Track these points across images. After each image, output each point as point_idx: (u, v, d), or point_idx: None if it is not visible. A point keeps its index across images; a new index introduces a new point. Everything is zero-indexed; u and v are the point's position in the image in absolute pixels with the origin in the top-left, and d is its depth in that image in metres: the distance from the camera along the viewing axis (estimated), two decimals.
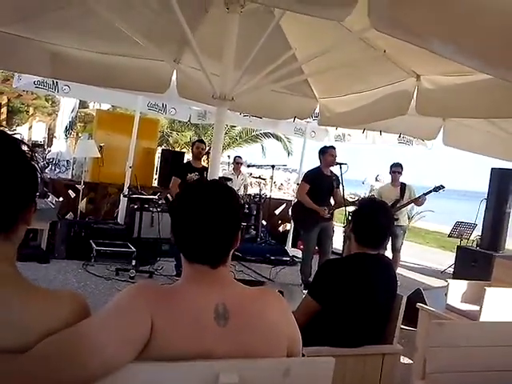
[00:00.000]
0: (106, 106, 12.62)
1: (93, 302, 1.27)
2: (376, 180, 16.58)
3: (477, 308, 3.38)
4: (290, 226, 8.99)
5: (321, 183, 5.83)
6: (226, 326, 1.26)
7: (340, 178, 5.85)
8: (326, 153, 5.86)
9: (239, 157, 9.52)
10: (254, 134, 18.80)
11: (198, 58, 3.20)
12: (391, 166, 7.06)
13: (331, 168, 5.99)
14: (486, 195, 7.50)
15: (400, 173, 6.99)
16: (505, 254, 7.14)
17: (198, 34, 3.63)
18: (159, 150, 11.90)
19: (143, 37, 3.37)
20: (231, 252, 1.38)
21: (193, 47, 3.15)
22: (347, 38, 3.44)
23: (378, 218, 2.45)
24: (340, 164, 5.79)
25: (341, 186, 5.90)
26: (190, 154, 7.07)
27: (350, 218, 2.71)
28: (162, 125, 16.82)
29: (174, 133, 18.84)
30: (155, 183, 9.76)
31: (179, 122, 17.36)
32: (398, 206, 6.77)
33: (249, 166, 10.79)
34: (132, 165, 7.96)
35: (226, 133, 17.42)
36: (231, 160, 10.41)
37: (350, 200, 6.48)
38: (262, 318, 1.32)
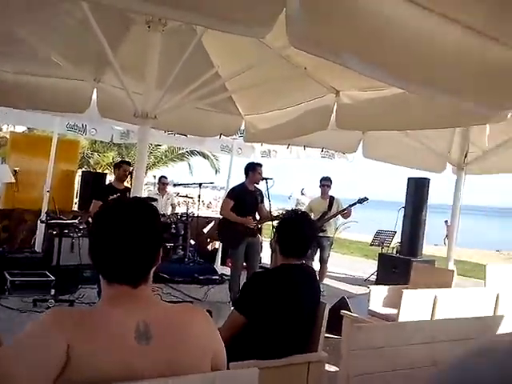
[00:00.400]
0: (21, 129, 11.94)
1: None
2: (301, 194, 17.03)
3: (396, 311, 3.52)
4: (218, 244, 8.94)
5: (245, 199, 5.87)
6: (148, 345, 1.24)
7: (266, 192, 5.92)
8: (255, 170, 5.91)
9: (164, 177, 9.40)
10: (180, 152, 18.61)
11: (119, 77, 3.13)
12: (321, 180, 7.27)
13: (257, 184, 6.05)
14: (404, 204, 7.92)
15: (329, 186, 7.21)
16: (421, 259, 7.56)
17: (120, 52, 3.57)
18: (79, 172, 11.43)
19: (62, 57, 3.26)
20: (152, 270, 1.35)
21: (114, 66, 3.08)
22: (269, 56, 3.52)
23: (300, 229, 2.52)
24: (266, 179, 5.86)
25: (266, 201, 5.96)
26: (113, 176, 6.84)
27: (274, 230, 2.75)
28: (83, 146, 16.19)
29: (96, 154, 18.19)
30: (75, 207, 9.34)
31: (101, 142, 16.81)
32: (326, 217, 6.97)
33: (175, 185, 10.64)
34: (50, 188, 7.56)
35: (151, 152, 17.10)
36: (157, 180, 10.22)
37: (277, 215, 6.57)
38: (186, 334, 1.31)
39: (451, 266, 4.86)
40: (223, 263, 8.44)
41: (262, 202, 6.02)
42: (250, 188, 5.96)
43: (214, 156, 18.72)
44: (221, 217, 6.17)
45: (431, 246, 15.38)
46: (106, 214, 1.35)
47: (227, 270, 7.81)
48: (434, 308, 3.35)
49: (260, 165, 6.03)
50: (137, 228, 1.29)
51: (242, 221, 5.74)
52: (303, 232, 2.53)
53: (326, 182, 7.20)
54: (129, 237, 1.28)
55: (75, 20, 3.36)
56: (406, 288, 3.55)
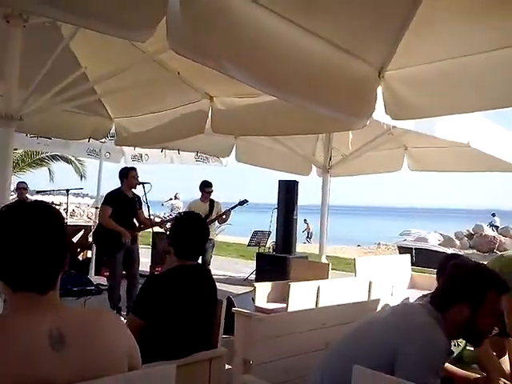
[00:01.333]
0: None
1: None
2: (175, 198, 16.90)
3: (281, 305, 3.76)
4: (91, 253, 8.48)
5: (123, 205, 5.67)
6: (63, 350, 1.20)
7: (144, 197, 5.79)
8: (128, 174, 5.74)
9: (23, 182, 8.58)
10: (39, 157, 17.22)
11: None
12: (202, 184, 7.26)
13: (133, 190, 5.88)
14: (277, 205, 8.28)
15: (210, 191, 7.24)
16: (296, 256, 7.98)
17: None
18: None
19: None
20: (60, 275, 1.29)
21: None
22: (140, 59, 3.46)
23: (194, 230, 2.57)
24: (143, 183, 5.73)
25: (145, 207, 5.83)
26: None
27: (167, 233, 2.74)
28: None
29: None
30: None
31: None
32: (208, 220, 7.01)
33: (38, 193, 9.83)
34: None
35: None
36: (15, 186, 9.32)
37: (157, 221, 6.48)
38: (101, 337, 1.29)
39: (324, 260, 5.24)
40: (97, 273, 8.04)
41: (141, 207, 5.87)
42: (128, 194, 5.77)
43: (78, 161, 17.70)
44: (94, 224, 5.88)
45: (300, 244, 16.33)
46: (6, 218, 1.24)
47: (103, 280, 7.46)
48: (317, 297, 3.64)
49: (134, 169, 5.87)
50: (43, 231, 1.23)
51: (121, 231, 5.52)
52: (197, 233, 2.57)
53: (207, 188, 7.22)
54: (35, 241, 1.21)
55: None
56: (288, 283, 3.76)
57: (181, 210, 8.73)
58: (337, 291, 3.80)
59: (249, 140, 6.08)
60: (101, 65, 3.72)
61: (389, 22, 2.40)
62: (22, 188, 8.23)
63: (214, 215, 7.17)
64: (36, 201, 1.35)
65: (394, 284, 4.98)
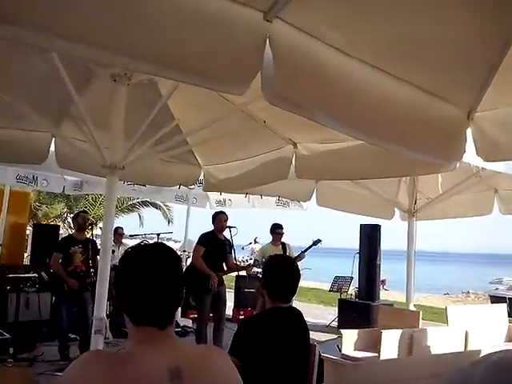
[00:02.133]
0: None
1: None
2: (255, 242, 17.08)
3: (371, 354, 3.62)
4: None
5: (215, 247, 5.87)
6: None
7: (231, 241, 5.97)
8: (216, 218, 5.98)
9: (120, 227, 9.22)
10: (130, 202, 18.32)
11: (83, 128, 3.18)
12: (273, 227, 7.37)
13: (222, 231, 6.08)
14: (359, 250, 8.15)
15: (281, 233, 7.33)
16: (380, 303, 7.72)
17: (81, 104, 3.61)
18: (30, 224, 11.04)
19: (23, 108, 3.27)
20: (176, 311, 1.41)
21: (79, 117, 3.13)
22: (230, 110, 3.67)
23: (286, 272, 2.63)
24: (230, 227, 5.92)
25: (232, 251, 6.00)
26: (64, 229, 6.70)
27: (260, 276, 2.81)
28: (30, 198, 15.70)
29: (44, 206, 17.63)
30: (27, 261, 8.96)
31: (47, 194, 16.34)
32: None
33: (131, 236, 10.43)
34: (1, 243, 7.27)
35: (101, 203, 16.73)
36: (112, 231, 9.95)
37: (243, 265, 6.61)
38: (214, 373, 1.36)
39: (412, 308, 5.03)
40: (183, 315, 8.26)
41: (231, 252, 6.04)
42: (220, 236, 5.99)
43: (166, 206, 18.57)
44: (188, 264, 6.11)
45: (382, 291, 15.71)
46: (132, 258, 1.39)
47: (189, 322, 7.64)
48: (410, 346, 3.50)
49: (224, 212, 6.10)
50: (165, 271, 1.35)
51: (209, 274, 5.69)
52: (289, 275, 2.63)
53: (278, 230, 7.33)
54: (158, 280, 1.33)
55: (40, 72, 3.42)
56: (378, 330, 3.65)
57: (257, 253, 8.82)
58: (431, 341, 3.62)
59: (329, 184, 6.10)
60: (193, 116, 3.99)
61: (477, 64, 2.40)
62: (119, 233, 8.84)
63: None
64: (157, 243, 1.49)
65: (491, 335, 4.66)
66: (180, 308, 8.29)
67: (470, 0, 1.96)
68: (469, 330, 3.89)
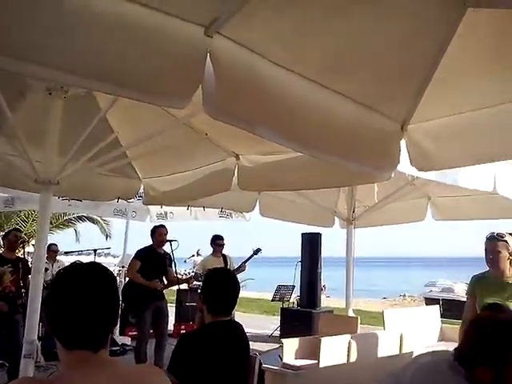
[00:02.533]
0: None
1: None
2: (198, 254, 16.91)
3: (311, 362, 3.69)
4: None
5: (154, 261, 5.76)
6: None
7: (171, 255, 5.88)
8: (156, 232, 5.88)
9: (54, 244, 8.84)
10: (66, 218, 17.61)
11: (15, 143, 3.04)
12: (213, 238, 7.35)
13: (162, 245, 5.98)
14: (300, 258, 8.27)
15: (221, 244, 7.31)
16: (321, 311, 7.86)
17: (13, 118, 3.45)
18: None
19: None
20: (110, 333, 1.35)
21: (10, 132, 2.98)
22: (171, 123, 3.64)
23: (226, 285, 2.60)
24: (170, 241, 5.84)
25: (173, 264, 5.91)
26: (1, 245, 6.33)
27: (199, 291, 2.76)
28: None
29: None
30: None
31: None
32: None
33: (67, 253, 10.00)
34: None
35: (34, 219, 15.95)
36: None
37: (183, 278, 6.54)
38: None
39: (351, 314, 5.17)
40: (122, 333, 8.00)
41: (171, 265, 5.95)
42: (159, 250, 5.88)
43: (104, 221, 18.02)
44: (120, 283, 5.94)
45: (324, 298, 16.03)
46: (63, 279, 1.33)
47: (127, 340, 7.41)
48: (348, 352, 3.60)
49: (163, 226, 6.02)
50: (97, 292, 1.29)
51: (149, 284, 5.58)
52: (229, 287, 2.60)
53: (218, 241, 7.32)
54: (90, 301, 1.27)
55: None
56: (318, 338, 3.72)
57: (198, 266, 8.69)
58: (368, 345, 3.74)
59: (272, 194, 6.18)
60: (133, 129, 3.91)
61: (409, 78, 2.52)
62: (52, 250, 8.44)
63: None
64: (91, 262, 1.43)
65: (425, 337, 4.88)
66: (118, 325, 8.06)
67: (401, 15, 2.05)
68: (403, 332, 4.07)
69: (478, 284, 3.52)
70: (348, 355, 3.65)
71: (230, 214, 8.17)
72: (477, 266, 3.73)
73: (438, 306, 5.94)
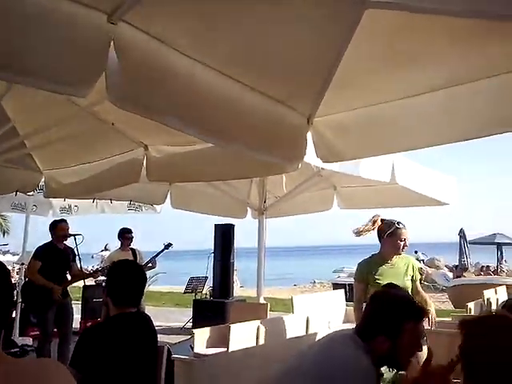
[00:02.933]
0: None
1: None
2: (106, 249, 16.32)
3: (221, 349, 3.74)
4: (14, 313, 7.93)
5: (55, 258, 5.45)
6: None
7: (75, 250, 5.60)
8: (56, 227, 5.56)
9: None
10: None
11: None
12: (121, 231, 7.12)
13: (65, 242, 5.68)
14: (213, 249, 8.29)
15: (130, 238, 7.11)
16: (234, 300, 7.97)
17: None
18: None
19: None
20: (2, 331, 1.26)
21: None
22: (75, 112, 3.45)
23: (130, 276, 2.55)
24: (74, 235, 5.55)
25: (77, 259, 5.64)
26: None
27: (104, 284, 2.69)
28: None
29: None
30: None
31: None
32: None
33: None
34: None
35: None
36: None
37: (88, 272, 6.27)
38: None
39: (262, 301, 5.31)
40: (22, 333, 7.51)
41: (74, 260, 5.66)
42: (60, 246, 5.57)
43: (1, 216, 16.79)
44: (20, 281, 5.58)
45: (238, 288, 16.29)
46: None
47: (28, 341, 6.99)
48: (257, 338, 3.69)
49: (64, 221, 5.71)
50: None
51: (52, 288, 5.28)
52: (134, 278, 2.55)
53: (126, 234, 7.12)
54: None
55: None
56: (226, 326, 3.77)
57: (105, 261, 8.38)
58: (276, 330, 3.86)
59: (183, 186, 6.11)
60: (32, 118, 3.66)
61: (314, 74, 2.61)
62: None
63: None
64: None
65: (331, 319, 5.13)
66: (18, 326, 7.56)
67: (305, 16, 2.12)
68: (310, 315, 4.25)
69: (368, 267, 3.76)
70: (257, 340, 3.75)
71: (140, 206, 7.97)
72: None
73: (343, 290, 6.24)
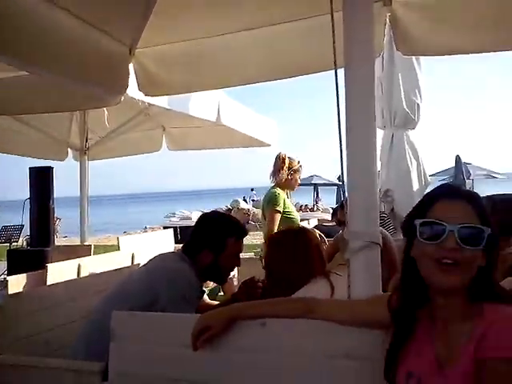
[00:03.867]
0: None
1: None
2: None
3: None
4: None
5: None
6: None
7: None
8: None
9: None
10: None
11: None
12: None
13: None
14: (29, 195, 7.54)
15: None
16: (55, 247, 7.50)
17: None
18: None
19: None
20: None
21: None
22: None
23: None
24: None
25: None
26: None
27: None
28: None
29: None
30: None
31: None
32: None
33: None
34: None
35: None
36: None
37: None
38: None
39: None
40: None
41: None
42: None
43: None
44: None
45: (61, 238, 15.41)
46: None
47: None
48: (78, 275, 3.60)
49: None
50: None
51: None
52: None
53: None
54: None
55: None
56: (43, 271, 3.53)
57: None
58: (100, 267, 3.75)
59: None
60: None
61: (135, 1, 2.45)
62: None
63: None
64: None
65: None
66: None
67: None
68: (136, 252, 4.28)
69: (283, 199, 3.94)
70: (78, 277, 3.60)
71: None
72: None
73: (172, 230, 6.29)
